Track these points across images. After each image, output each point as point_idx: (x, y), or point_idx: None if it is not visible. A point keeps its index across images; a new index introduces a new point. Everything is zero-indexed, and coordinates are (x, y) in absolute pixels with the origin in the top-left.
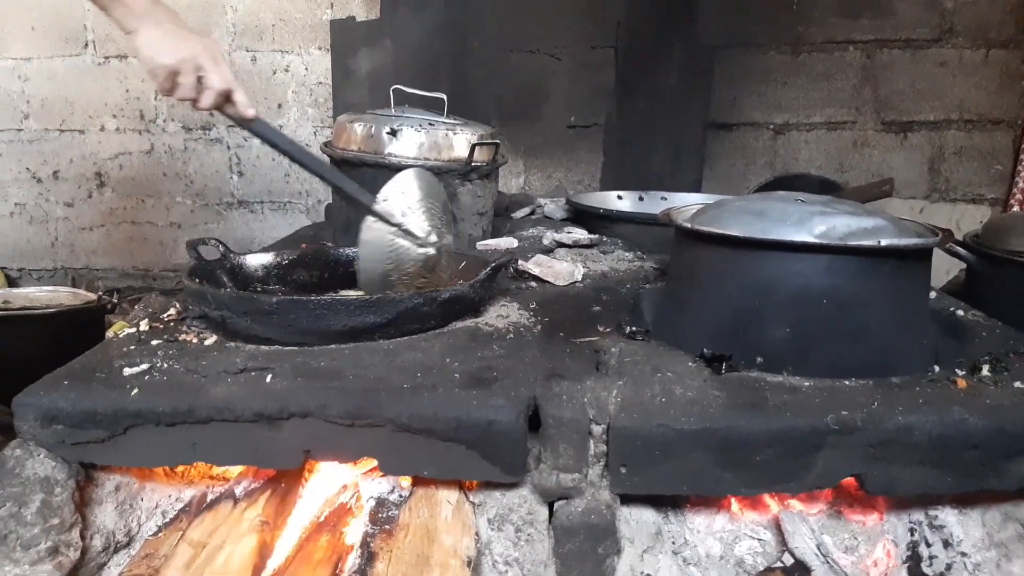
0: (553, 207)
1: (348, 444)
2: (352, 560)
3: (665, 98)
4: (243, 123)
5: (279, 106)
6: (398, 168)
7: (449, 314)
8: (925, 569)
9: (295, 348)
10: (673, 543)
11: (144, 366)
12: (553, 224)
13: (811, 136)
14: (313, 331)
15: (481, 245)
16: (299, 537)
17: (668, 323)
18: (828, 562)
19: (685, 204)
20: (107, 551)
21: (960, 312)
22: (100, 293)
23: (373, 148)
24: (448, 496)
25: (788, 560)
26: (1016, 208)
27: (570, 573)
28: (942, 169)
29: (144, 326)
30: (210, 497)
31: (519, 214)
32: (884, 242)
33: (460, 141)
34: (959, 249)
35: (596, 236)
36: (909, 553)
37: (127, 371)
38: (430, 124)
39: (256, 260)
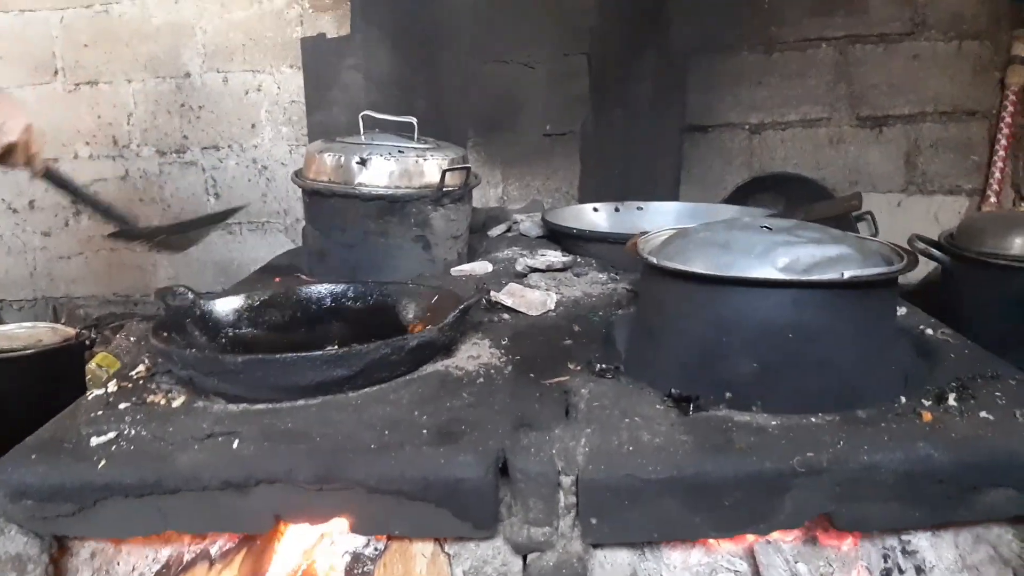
0: (529, 224)
1: (318, 507)
2: None
3: (640, 103)
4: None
5: (252, 126)
6: (368, 198)
7: (419, 359)
8: None
9: (263, 407)
10: None
11: (111, 435)
12: (529, 243)
13: (787, 134)
14: (280, 387)
15: (456, 271)
16: None
17: (638, 356)
18: None
19: (657, 230)
20: None
21: (929, 331)
22: (79, 329)
23: (343, 179)
24: (423, 549)
25: None
26: (993, 199)
27: None
28: (918, 162)
29: (112, 387)
30: (187, 557)
31: (495, 232)
32: (847, 274)
33: (431, 167)
34: (933, 251)
35: (569, 258)
36: None
37: (94, 440)
38: (400, 151)
39: (226, 305)
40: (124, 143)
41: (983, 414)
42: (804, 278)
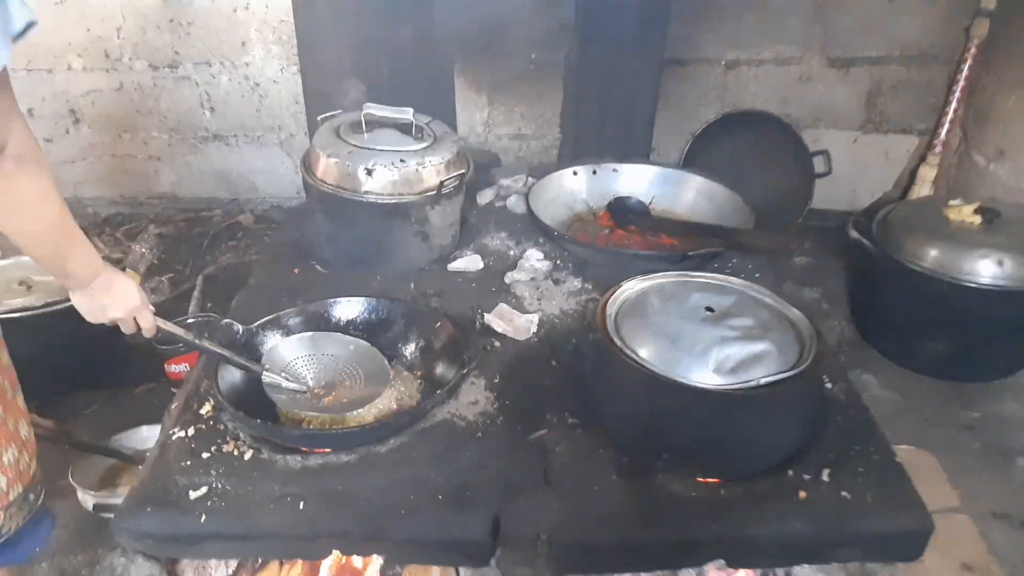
0: (515, 200)
1: (364, 549)
2: None
3: (623, 34)
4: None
5: (243, 44)
6: (374, 206)
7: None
8: None
9: (317, 464)
10: None
11: (204, 489)
12: (514, 227)
13: (760, 71)
14: (330, 445)
15: (452, 268)
16: None
17: (599, 409)
18: None
19: (623, 289)
20: None
21: (829, 384)
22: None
23: (351, 186)
24: None
25: None
26: (939, 148)
27: None
28: (878, 102)
29: (191, 431)
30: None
31: (483, 198)
32: (763, 380)
33: (430, 173)
34: (865, 243)
35: (549, 265)
36: None
37: (192, 495)
38: (401, 160)
39: (268, 335)
40: (116, 56)
41: (843, 493)
42: (726, 387)
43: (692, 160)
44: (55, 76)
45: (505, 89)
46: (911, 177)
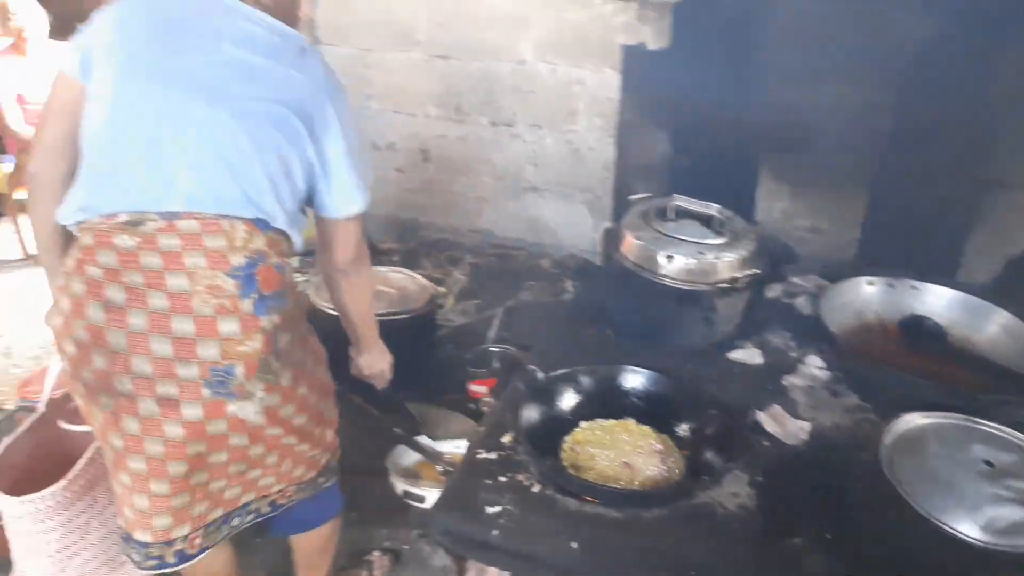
0: (803, 300)
1: None
2: None
3: (940, 146)
4: None
5: (571, 113)
6: (668, 289)
7: None
8: None
9: (589, 511)
10: None
11: (498, 508)
12: (800, 328)
13: None
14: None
15: (730, 356)
16: None
17: (857, 529)
18: None
19: (904, 421)
20: None
21: None
22: (433, 290)
23: (650, 267)
24: None
25: None
26: None
27: None
28: None
29: (494, 456)
30: None
31: (771, 292)
32: None
33: (724, 268)
34: None
35: (829, 374)
36: None
37: (488, 510)
38: (700, 253)
39: (562, 386)
40: (465, 111)
41: None
42: (994, 546)
43: (1006, 286)
44: (415, 119)
45: (808, 185)
46: None
